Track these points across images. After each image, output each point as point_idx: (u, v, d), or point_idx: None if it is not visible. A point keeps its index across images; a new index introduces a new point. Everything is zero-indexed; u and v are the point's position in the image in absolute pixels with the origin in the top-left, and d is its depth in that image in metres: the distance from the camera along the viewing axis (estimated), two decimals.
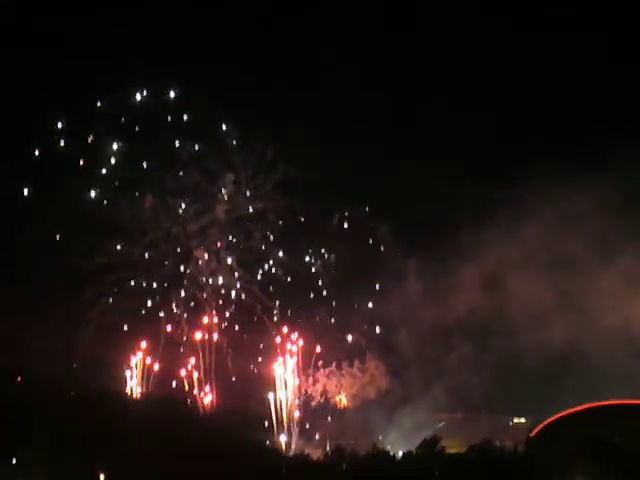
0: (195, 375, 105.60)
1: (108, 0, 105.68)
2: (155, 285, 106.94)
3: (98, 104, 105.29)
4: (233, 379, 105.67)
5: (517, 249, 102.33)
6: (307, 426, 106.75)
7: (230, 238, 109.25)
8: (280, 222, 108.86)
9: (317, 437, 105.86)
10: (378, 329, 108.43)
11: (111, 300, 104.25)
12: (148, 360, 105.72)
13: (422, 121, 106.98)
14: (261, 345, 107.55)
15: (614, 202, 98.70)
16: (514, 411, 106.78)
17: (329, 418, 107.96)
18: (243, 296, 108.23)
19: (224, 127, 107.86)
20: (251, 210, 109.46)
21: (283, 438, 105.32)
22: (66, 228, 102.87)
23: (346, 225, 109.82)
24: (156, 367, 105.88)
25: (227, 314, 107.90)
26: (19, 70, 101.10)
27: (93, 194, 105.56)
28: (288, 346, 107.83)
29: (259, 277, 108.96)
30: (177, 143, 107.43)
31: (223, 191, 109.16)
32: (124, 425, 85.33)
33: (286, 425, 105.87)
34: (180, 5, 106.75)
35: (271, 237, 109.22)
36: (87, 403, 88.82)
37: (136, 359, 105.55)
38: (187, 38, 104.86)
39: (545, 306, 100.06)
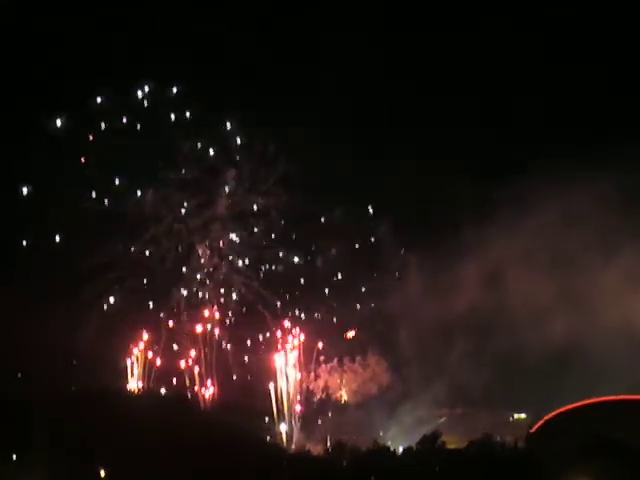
0: (196, 369, 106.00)
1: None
2: (156, 281, 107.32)
3: (99, 100, 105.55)
4: (234, 373, 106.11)
5: (517, 246, 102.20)
6: (308, 421, 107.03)
7: (232, 234, 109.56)
8: (282, 218, 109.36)
9: (318, 432, 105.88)
10: (379, 325, 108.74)
11: (112, 296, 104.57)
12: (150, 355, 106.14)
13: (422, 119, 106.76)
14: (261, 337, 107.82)
15: (614, 199, 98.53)
16: (514, 406, 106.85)
17: (330, 414, 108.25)
18: (244, 291, 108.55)
19: (226, 123, 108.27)
20: (253, 206, 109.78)
21: (284, 427, 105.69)
22: (67, 225, 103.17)
23: (347, 221, 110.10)
24: (157, 362, 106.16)
25: (228, 309, 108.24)
26: (19, 69, 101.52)
27: (94, 193, 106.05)
28: (289, 339, 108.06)
29: (260, 273, 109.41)
30: (179, 139, 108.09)
31: (225, 187, 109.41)
32: (125, 421, 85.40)
33: (287, 418, 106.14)
34: (181, 4, 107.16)
35: (273, 233, 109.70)
36: (87, 399, 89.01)
37: (137, 355, 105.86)
38: (189, 36, 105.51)
39: (546, 302, 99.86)
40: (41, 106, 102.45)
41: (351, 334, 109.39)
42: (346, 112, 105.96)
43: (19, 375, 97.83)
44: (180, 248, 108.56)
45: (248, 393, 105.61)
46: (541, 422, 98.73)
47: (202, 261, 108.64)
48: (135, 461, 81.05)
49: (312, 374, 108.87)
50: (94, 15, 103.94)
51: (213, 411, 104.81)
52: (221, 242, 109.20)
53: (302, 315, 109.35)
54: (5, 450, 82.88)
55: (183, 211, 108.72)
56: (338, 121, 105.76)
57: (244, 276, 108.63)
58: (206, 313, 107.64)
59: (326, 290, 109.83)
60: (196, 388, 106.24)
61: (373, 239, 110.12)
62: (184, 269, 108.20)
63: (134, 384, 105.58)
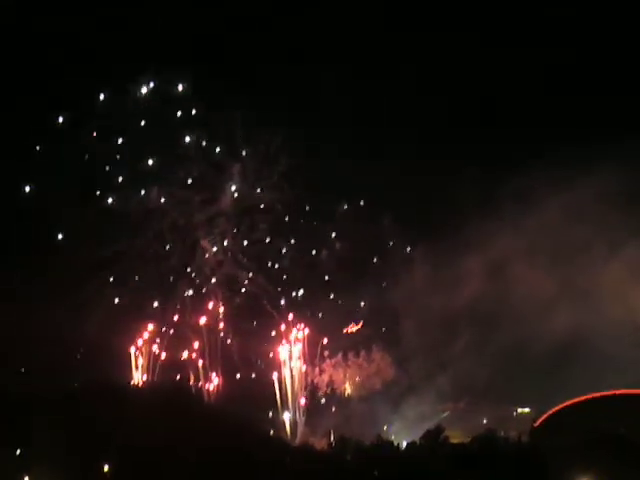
0: (200, 362, 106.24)
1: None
2: (161, 276, 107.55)
3: (102, 97, 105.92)
4: (238, 366, 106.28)
5: (521, 241, 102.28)
6: (313, 415, 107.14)
7: (236, 229, 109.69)
8: (286, 213, 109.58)
9: (322, 427, 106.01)
10: (384, 320, 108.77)
11: (116, 291, 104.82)
12: (154, 349, 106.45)
13: (424, 116, 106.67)
14: (266, 331, 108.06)
15: (618, 192, 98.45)
16: (518, 401, 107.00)
17: (333, 408, 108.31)
18: (249, 286, 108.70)
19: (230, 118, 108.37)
20: (257, 201, 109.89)
21: (287, 416, 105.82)
22: (71, 220, 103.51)
23: (351, 216, 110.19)
24: (162, 356, 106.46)
25: (232, 303, 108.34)
26: (21, 67, 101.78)
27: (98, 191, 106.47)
28: (294, 332, 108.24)
29: (265, 267, 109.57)
30: (183, 134, 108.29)
31: (229, 182, 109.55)
32: (128, 415, 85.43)
33: (291, 412, 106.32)
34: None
35: (277, 227, 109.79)
36: (91, 394, 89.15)
37: (141, 348, 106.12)
38: (192, 34, 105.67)
39: (550, 297, 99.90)
40: (45, 104, 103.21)
41: (354, 328, 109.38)
42: (349, 109, 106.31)
43: (22, 370, 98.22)
44: (184, 243, 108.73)
45: (252, 386, 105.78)
46: (545, 416, 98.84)
47: (207, 256, 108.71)
48: (138, 456, 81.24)
49: (317, 369, 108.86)
50: (98, 14, 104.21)
51: (217, 405, 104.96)
52: (226, 237, 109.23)
53: (306, 309, 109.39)
54: (8, 445, 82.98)
55: (188, 207, 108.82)
56: (341, 117, 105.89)
57: (249, 270, 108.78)
58: (210, 306, 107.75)
59: (330, 285, 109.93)
60: (200, 381, 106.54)
61: (377, 234, 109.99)
62: (189, 264, 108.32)
63: (138, 378, 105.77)
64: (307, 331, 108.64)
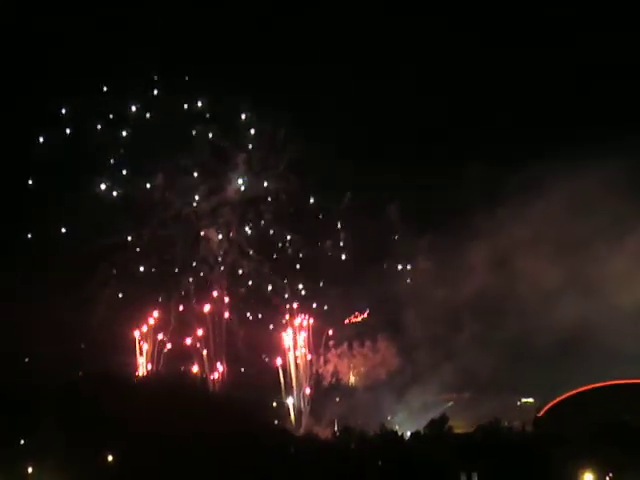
0: (204, 351, 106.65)
1: None
2: (166, 265, 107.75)
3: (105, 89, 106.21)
4: (243, 354, 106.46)
5: (526, 230, 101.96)
6: (317, 405, 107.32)
7: (241, 218, 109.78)
8: (291, 203, 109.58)
9: (327, 416, 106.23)
10: (389, 310, 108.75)
11: (120, 281, 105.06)
12: (159, 337, 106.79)
13: (433, 103, 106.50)
14: (271, 320, 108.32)
15: (624, 183, 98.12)
16: (522, 391, 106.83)
17: (337, 399, 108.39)
18: (254, 276, 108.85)
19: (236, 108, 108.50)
20: (263, 190, 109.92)
21: (290, 401, 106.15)
22: (74, 210, 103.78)
23: (357, 206, 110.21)
24: (166, 344, 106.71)
25: (237, 293, 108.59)
26: (30, 60, 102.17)
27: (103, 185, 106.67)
28: (298, 320, 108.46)
29: (270, 257, 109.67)
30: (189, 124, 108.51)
31: (235, 171, 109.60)
32: (132, 405, 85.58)
33: (296, 401, 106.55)
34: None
35: (282, 217, 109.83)
36: (95, 384, 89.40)
37: (146, 337, 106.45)
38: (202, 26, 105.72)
39: (554, 287, 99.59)
40: (53, 95, 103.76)
41: (359, 318, 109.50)
42: (357, 93, 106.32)
43: (26, 360, 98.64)
44: (190, 233, 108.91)
45: (257, 374, 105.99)
46: (548, 406, 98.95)
47: (211, 245, 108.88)
48: (142, 445, 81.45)
49: (322, 358, 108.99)
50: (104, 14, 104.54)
51: (221, 394, 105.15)
52: (230, 227, 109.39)
53: (311, 300, 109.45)
54: (13, 435, 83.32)
55: (193, 197, 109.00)
56: (348, 103, 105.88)
57: (253, 260, 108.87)
58: (215, 294, 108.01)
59: (336, 275, 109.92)
60: (205, 369, 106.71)
61: (383, 224, 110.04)
62: (194, 253, 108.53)
63: (143, 367, 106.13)
64: (312, 321, 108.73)
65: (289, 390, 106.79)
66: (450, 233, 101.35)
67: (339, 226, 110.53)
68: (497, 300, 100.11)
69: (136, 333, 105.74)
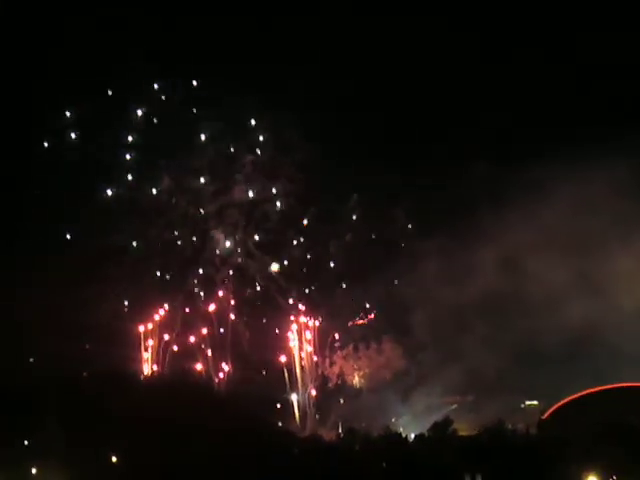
0: (209, 352, 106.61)
1: None
2: (172, 266, 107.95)
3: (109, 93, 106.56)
4: (248, 355, 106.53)
5: (533, 231, 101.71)
6: (322, 407, 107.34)
7: (247, 220, 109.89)
8: (298, 204, 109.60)
9: (331, 418, 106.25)
10: (394, 311, 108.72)
11: (127, 282, 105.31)
12: (165, 337, 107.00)
13: (438, 103, 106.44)
14: (276, 321, 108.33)
15: (633, 183, 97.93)
16: (526, 393, 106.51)
17: (341, 400, 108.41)
18: (259, 277, 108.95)
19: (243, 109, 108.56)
20: (269, 191, 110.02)
21: (294, 397, 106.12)
22: (81, 210, 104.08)
23: (363, 208, 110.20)
24: (172, 344, 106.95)
25: (243, 294, 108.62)
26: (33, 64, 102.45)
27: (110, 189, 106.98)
28: (304, 320, 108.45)
29: (276, 258, 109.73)
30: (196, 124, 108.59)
31: (242, 173, 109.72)
32: (136, 405, 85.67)
33: (301, 403, 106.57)
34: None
35: (288, 219, 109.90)
36: (99, 383, 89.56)
37: (151, 336, 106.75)
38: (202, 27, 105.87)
39: (560, 289, 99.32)
40: (58, 97, 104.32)
41: (363, 320, 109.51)
42: (363, 96, 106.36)
43: (30, 360, 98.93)
44: (196, 233, 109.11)
45: (262, 375, 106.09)
46: (553, 409, 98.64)
47: (217, 246, 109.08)
48: (145, 444, 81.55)
49: (327, 360, 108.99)
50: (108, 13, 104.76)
51: (226, 394, 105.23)
52: (237, 228, 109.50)
53: (317, 301, 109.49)
54: (16, 435, 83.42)
55: (199, 197, 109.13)
56: (354, 105, 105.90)
57: (259, 262, 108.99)
58: (220, 294, 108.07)
59: (341, 277, 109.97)
60: (210, 369, 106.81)
61: (389, 225, 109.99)
62: (200, 254, 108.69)
63: (147, 367, 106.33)
64: (317, 322, 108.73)
65: (294, 391, 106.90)
66: (456, 234, 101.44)
67: (345, 228, 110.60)
68: (502, 302, 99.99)
69: (141, 333, 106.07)
